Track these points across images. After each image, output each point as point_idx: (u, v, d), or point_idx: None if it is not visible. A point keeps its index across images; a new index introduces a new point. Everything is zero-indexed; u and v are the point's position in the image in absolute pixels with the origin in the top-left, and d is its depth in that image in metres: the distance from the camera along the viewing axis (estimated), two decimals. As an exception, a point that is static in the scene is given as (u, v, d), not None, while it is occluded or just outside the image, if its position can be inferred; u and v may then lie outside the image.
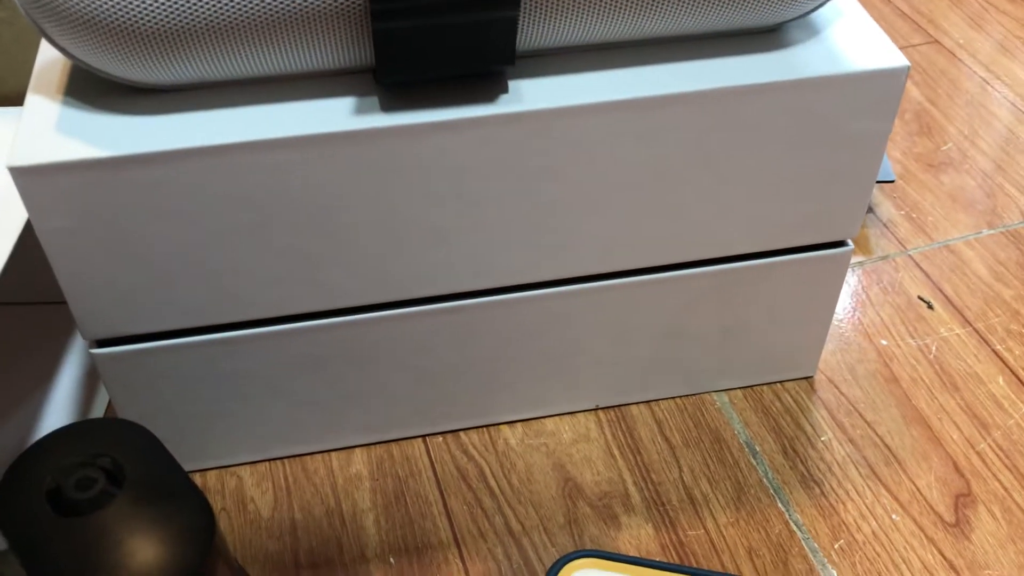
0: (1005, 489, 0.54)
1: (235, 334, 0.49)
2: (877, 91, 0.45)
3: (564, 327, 0.53)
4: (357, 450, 0.56)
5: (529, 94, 0.43)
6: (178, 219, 0.43)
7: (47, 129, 0.42)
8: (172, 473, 0.39)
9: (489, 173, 0.44)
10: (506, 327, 0.52)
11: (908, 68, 0.45)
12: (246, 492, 0.54)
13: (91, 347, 0.48)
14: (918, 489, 0.54)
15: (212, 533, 0.37)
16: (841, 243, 0.52)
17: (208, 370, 0.50)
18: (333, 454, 0.56)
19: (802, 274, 0.53)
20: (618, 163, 0.45)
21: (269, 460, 0.56)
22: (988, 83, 0.82)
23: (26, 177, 0.40)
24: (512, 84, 0.44)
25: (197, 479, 0.55)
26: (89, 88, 0.44)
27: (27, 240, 0.58)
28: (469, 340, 0.52)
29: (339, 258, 0.46)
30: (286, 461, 0.56)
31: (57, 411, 0.56)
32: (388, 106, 0.43)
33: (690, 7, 0.43)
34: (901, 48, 0.85)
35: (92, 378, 0.58)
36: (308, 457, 0.56)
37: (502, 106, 0.42)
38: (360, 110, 0.42)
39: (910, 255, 0.68)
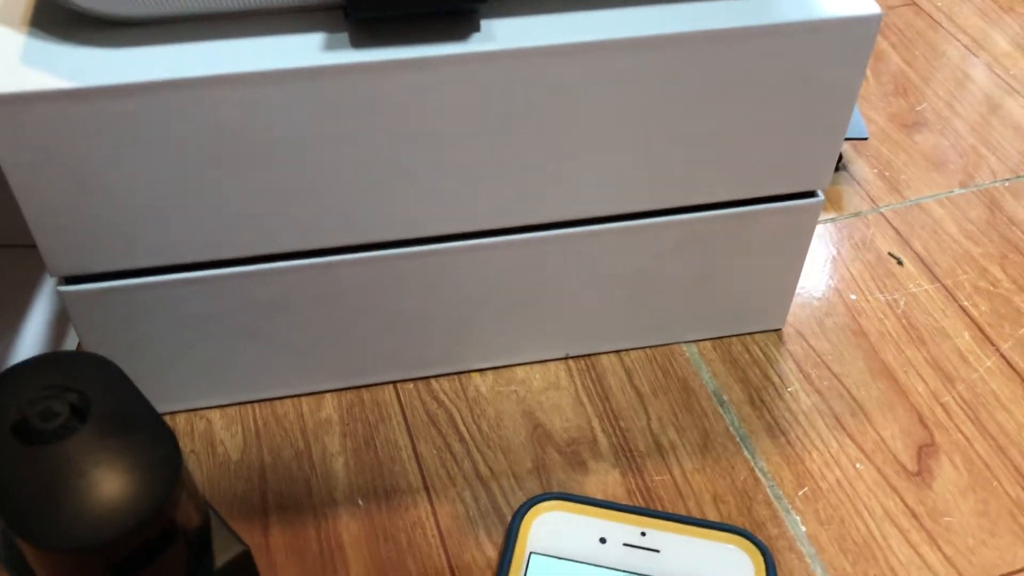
0: (967, 440, 0.55)
1: (205, 274, 0.48)
2: (849, 39, 0.45)
3: (535, 274, 0.53)
4: (327, 395, 0.56)
5: (501, 33, 0.43)
6: (146, 154, 0.43)
7: (12, 59, 0.41)
8: (138, 406, 0.39)
9: (459, 114, 0.44)
10: (477, 273, 0.52)
11: (881, 16, 0.45)
12: (215, 435, 0.54)
13: (59, 284, 0.48)
14: (883, 439, 0.55)
15: (178, 465, 0.37)
16: (812, 194, 0.53)
17: (178, 310, 0.50)
18: (303, 399, 0.56)
19: (773, 224, 0.53)
20: (588, 106, 0.45)
21: (239, 404, 0.56)
22: (965, 46, 0.82)
23: (-9, 107, 0.40)
24: (485, 23, 0.43)
25: (166, 422, 0.55)
26: (55, 20, 0.43)
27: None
28: (440, 285, 0.52)
29: (309, 198, 0.46)
30: (256, 405, 0.56)
31: (25, 353, 0.55)
32: (358, 43, 0.42)
33: (664, -52, 0.42)
34: (879, 9, 0.85)
35: (61, 322, 0.57)
36: (278, 401, 0.56)
37: (473, 44, 0.42)
38: (330, 46, 0.42)
39: (881, 212, 0.68)
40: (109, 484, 0.36)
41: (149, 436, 0.38)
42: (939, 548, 0.50)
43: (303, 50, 0.42)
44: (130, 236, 0.46)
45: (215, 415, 0.55)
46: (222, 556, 0.40)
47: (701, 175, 0.50)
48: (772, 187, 0.51)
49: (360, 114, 0.43)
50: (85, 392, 0.38)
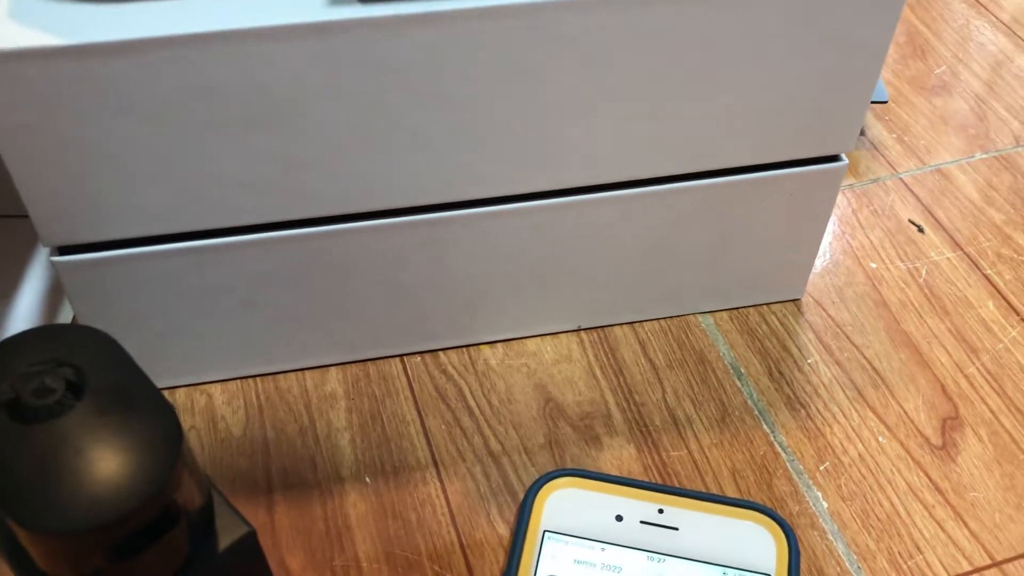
0: (992, 412, 0.53)
1: (205, 243, 0.46)
2: (879, -7, 0.43)
3: (547, 243, 0.51)
4: (332, 369, 0.54)
5: (515, -12, 0.41)
6: (144, 116, 0.41)
7: (1, 15, 0.39)
8: (136, 381, 0.37)
9: (469, 72, 0.42)
10: (488, 242, 0.50)
11: (912, -31, 0.43)
12: (216, 410, 0.52)
13: (52, 255, 0.46)
14: (905, 412, 0.53)
15: (179, 442, 0.35)
16: (835, 157, 0.51)
17: (176, 282, 0.48)
18: (307, 373, 0.54)
19: (794, 190, 0.51)
20: (607, 64, 0.43)
21: (240, 378, 0.54)
22: (983, 6, 0.79)
23: (-24, 66, 0.38)
24: (497, -23, 0.41)
25: (165, 397, 0.53)
26: (44, -26, 0.41)
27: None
28: (448, 255, 0.50)
29: (314, 163, 0.44)
30: (258, 379, 0.54)
31: (16, 328, 0.53)
32: (365, -3, 0.40)
33: None
34: (895, -30, 0.83)
35: (55, 295, 0.55)
36: (281, 376, 0.54)
37: (486, -1, 0.40)
38: (334, 0, 0.40)
39: (901, 178, 0.66)
40: (107, 463, 0.34)
41: (148, 412, 0.36)
42: (965, 524, 0.48)
43: (306, 5, 0.40)
44: (126, 203, 0.44)
45: (216, 390, 0.53)
46: (226, 538, 0.38)
47: (721, 138, 0.48)
48: (795, 150, 0.49)
49: (366, 73, 0.41)
50: (80, 367, 0.36)
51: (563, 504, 0.47)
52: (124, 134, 0.41)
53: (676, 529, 0.46)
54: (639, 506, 0.47)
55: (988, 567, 0.47)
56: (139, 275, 0.47)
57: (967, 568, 0.47)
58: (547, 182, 0.48)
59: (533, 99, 0.44)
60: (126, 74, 0.39)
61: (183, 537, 0.37)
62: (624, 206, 0.50)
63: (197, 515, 0.38)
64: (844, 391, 0.54)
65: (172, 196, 0.44)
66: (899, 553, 0.47)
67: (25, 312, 0.54)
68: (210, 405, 0.53)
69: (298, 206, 0.46)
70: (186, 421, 0.52)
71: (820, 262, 0.60)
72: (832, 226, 0.63)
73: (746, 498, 0.49)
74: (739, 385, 0.54)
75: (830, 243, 0.62)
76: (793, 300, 0.58)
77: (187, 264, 0.47)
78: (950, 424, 0.52)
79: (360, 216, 0.47)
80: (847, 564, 0.47)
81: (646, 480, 0.50)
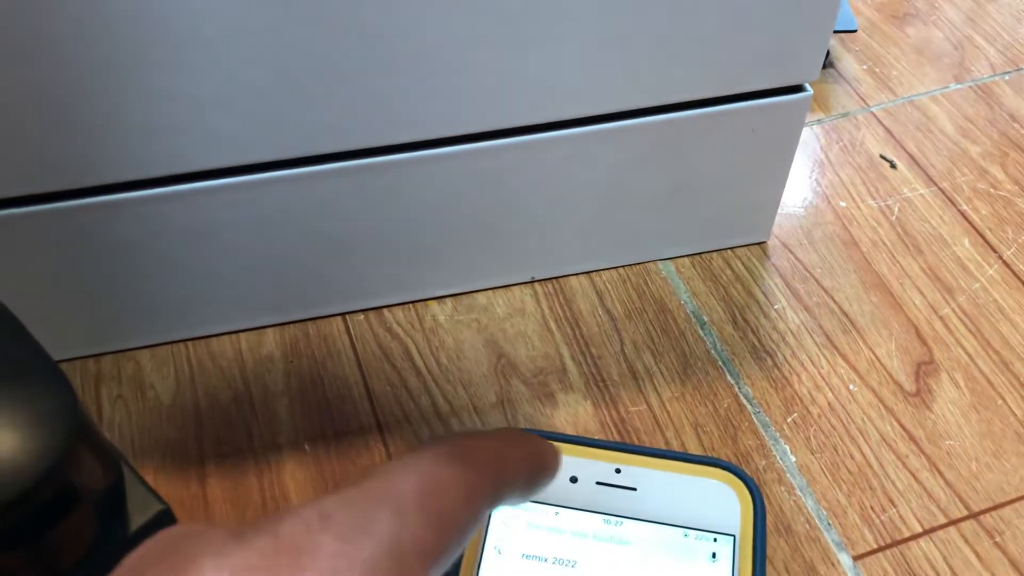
0: (969, 356, 0.50)
1: (115, 197, 0.43)
2: (841, -97, 0.39)
3: (495, 188, 0.47)
4: (269, 330, 0.51)
5: (437, -96, 0.37)
6: (35, 56, 0.37)
7: None
8: (26, 351, 0.33)
9: None
10: (430, 188, 0.47)
11: None
12: (145, 378, 0.49)
13: (-53, 215, 0.42)
14: (877, 358, 0.50)
15: (73, 417, 0.32)
16: (799, 88, 0.47)
17: (90, 241, 0.44)
18: (242, 335, 0.51)
19: (756, 125, 0.48)
20: (544, -11, 0.39)
21: (170, 343, 0.50)
22: (958, -70, 0.76)
23: None
24: None
25: (91, 365, 0.49)
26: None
27: None
28: (389, 204, 0.47)
29: (227, 104, 0.40)
30: (189, 343, 0.50)
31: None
32: (269, -82, 0.36)
33: None
34: None
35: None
36: (214, 339, 0.51)
37: (405, -83, 0.36)
38: (235, -78, 0.36)
39: (872, 112, 0.63)
40: (-8, 443, 0.31)
41: (39, 385, 0.32)
42: (940, 474, 0.46)
43: (203, -72, 0.36)
44: (24, 155, 0.40)
45: (144, 356, 0.50)
46: (138, 518, 0.35)
47: (674, 69, 0.44)
48: (754, 81, 0.46)
49: (279, 2, 0.37)
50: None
51: (514, 467, 0.44)
52: (14, 77, 0.37)
53: (634, 489, 0.44)
54: (595, 466, 0.44)
55: (965, 519, 0.44)
56: (49, 233, 0.44)
57: (943, 521, 0.44)
58: (488, 122, 0.44)
59: (467, 27, 0.40)
60: (11, 5, 0.35)
61: (88, 520, 0.33)
62: (573, 147, 0.46)
63: (104, 495, 0.34)
64: (813, 337, 0.51)
65: (74, 146, 0.40)
66: (871, 507, 0.45)
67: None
68: (138, 372, 0.49)
69: (213, 154, 0.42)
70: (112, 390, 0.48)
71: (787, 202, 0.57)
72: (799, 164, 0.59)
73: (709, 454, 0.46)
74: (701, 334, 0.51)
75: (797, 182, 0.58)
76: (759, 243, 0.55)
77: (99, 220, 0.43)
78: (924, 369, 0.50)
79: (283, 164, 0.44)
80: (817, 520, 0.44)
81: (603, 439, 0.47)
